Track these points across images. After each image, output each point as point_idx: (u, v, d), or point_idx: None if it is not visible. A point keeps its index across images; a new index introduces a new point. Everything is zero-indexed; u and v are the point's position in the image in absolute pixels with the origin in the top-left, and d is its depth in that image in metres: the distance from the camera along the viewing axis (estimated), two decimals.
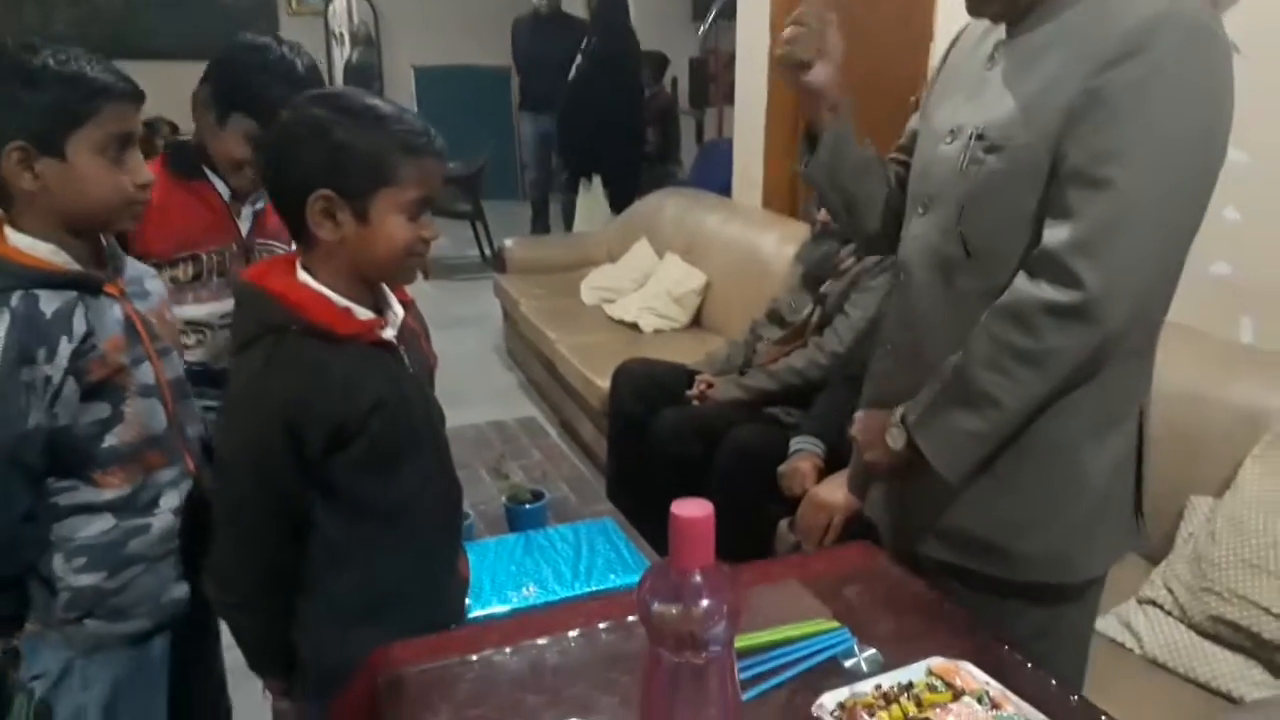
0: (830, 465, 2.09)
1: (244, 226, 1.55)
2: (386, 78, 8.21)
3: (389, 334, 1.12)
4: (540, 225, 6.10)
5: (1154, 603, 1.69)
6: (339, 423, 1.05)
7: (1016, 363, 1.08)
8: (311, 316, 1.05)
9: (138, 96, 1.15)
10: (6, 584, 1.18)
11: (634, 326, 3.59)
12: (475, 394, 3.67)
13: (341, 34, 8.21)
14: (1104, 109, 1.02)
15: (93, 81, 1.10)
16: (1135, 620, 1.70)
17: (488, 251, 5.91)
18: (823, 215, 2.48)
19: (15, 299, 1.08)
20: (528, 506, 1.85)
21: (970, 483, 1.17)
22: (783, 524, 2.11)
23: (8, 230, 1.13)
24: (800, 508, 1.94)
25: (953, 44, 1.32)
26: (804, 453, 2.10)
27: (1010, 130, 1.09)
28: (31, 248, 1.12)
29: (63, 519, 1.17)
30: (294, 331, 1.05)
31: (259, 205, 1.57)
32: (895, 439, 1.19)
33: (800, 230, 3.14)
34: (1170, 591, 1.67)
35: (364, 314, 1.10)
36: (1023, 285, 1.08)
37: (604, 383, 2.89)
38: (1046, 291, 1.05)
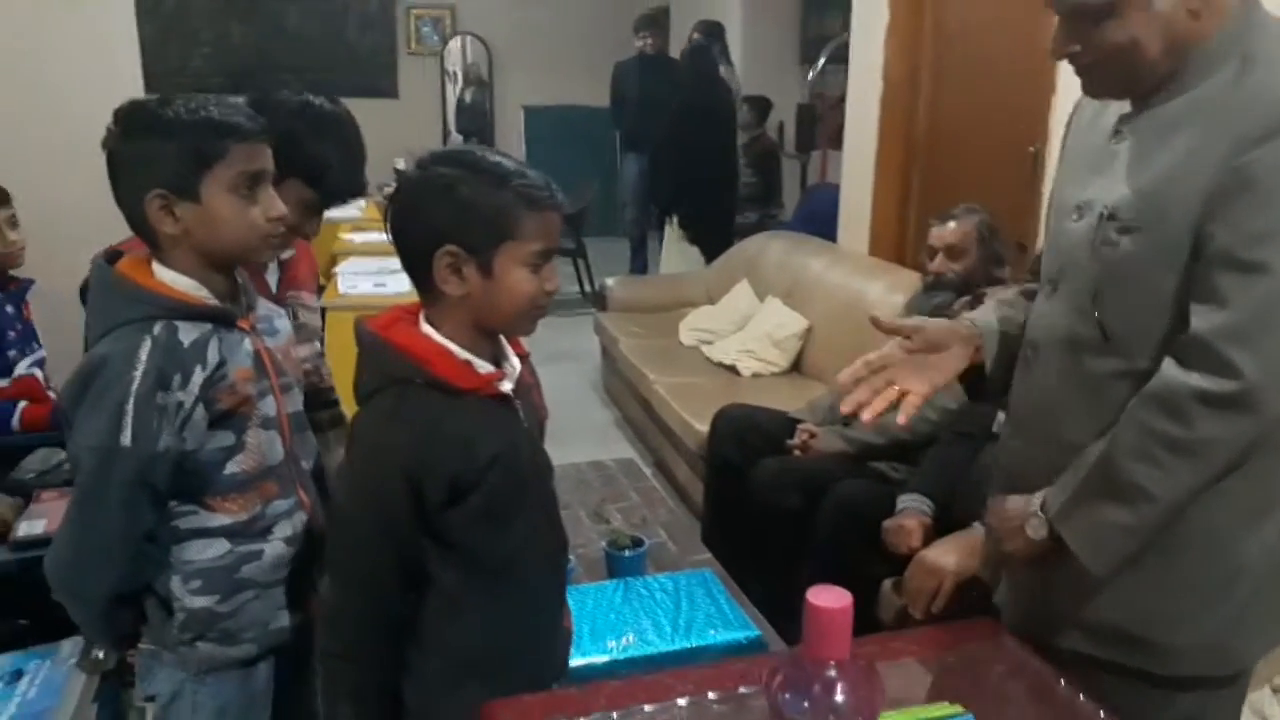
0: (939, 525, 2.02)
1: (271, 280, 1.58)
2: (497, 116, 8.45)
3: (507, 387, 1.13)
4: (639, 263, 6.15)
5: None
6: (458, 477, 1.06)
7: (1169, 453, 1.04)
8: (435, 370, 1.07)
9: (265, 134, 1.21)
10: (126, 601, 1.23)
11: (732, 369, 3.56)
12: (573, 431, 3.69)
13: (455, 73, 8.49)
14: (1253, 190, 0.99)
15: (219, 125, 1.16)
16: (1271, 710, 1.60)
17: (588, 288, 5.98)
18: (936, 265, 2.41)
19: (158, 327, 1.15)
20: (628, 553, 1.83)
21: (1117, 575, 1.11)
22: (887, 585, 2.04)
23: (155, 265, 1.20)
24: (909, 570, 1.87)
25: (1072, 116, 1.30)
26: (911, 511, 2.02)
27: (1145, 210, 1.07)
28: (175, 281, 1.19)
29: (182, 541, 1.22)
30: (417, 384, 1.07)
31: (284, 256, 1.61)
32: (1036, 530, 1.15)
33: (908, 279, 3.07)
34: None
35: (484, 367, 1.12)
36: (1173, 373, 1.04)
37: (702, 426, 2.86)
38: (1200, 380, 1.01)
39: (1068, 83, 2.67)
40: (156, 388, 1.13)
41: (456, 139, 8.44)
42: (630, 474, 2.49)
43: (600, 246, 6.52)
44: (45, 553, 1.19)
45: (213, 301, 1.21)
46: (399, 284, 3.45)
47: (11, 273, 2.37)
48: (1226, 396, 1.00)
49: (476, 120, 8.47)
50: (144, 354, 1.13)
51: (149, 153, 1.15)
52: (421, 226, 1.08)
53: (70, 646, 1.60)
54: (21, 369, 2.36)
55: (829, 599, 0.75)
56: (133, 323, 1.15)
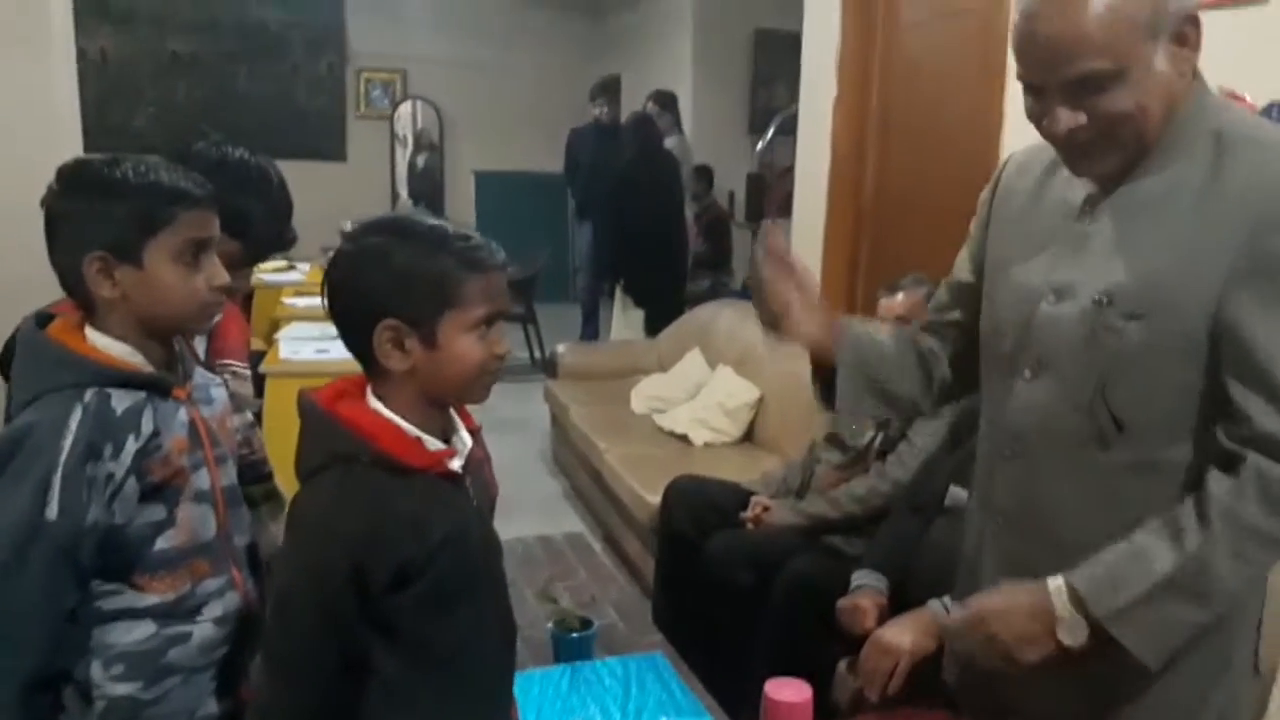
0: (894, 601, 1.98)
1: (200, 347, 1.51)
2: (448, 181, 8.46)
3: (457, 465, 1.07)
4: (590, 330, 6.13)
5: None
6: (407, 560, 1.00)
7: (1261, 550, 1.02)
8: (383, 447, 1.02)
9: (213, 201, 1.17)
10: (40, 689, 1.13)
11: (684, 438, 3.52)
12: (520, 502, 3.60)
13: (405, 137, 8.50)
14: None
15: (168, 190, 1.13)
16: None
17: (538, 354, 5.94)
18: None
19: (89, 395, 1.10)
20: (575, 635, 1.76)
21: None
22: (841, 666, 1.98)
23: (88, 330, 1.15)
24: (864, 650, 1.82)
25: (999, 178, 1.26)
26: (866, 589, 1.98)
27: (1152, 296, 1.04)
28: (109, 347, 1.14)
29: (105, 623, 1.15)
30: (364, 462, 1.01)
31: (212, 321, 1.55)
32: (1074, 634, 1.06)
33: None
34: None
35: (435, 444, 1.06)
36: (1270, 468, 1.00)
37: (654, 498, 2.81)
38: None
39: (1011, 148, 2.73)
40: (87, 458, 1.07)
41: (406, 203, 8.42)
42: (579, 549, 2.41)
43: (551, 312, 6.50)
44: None
45: (148, 369, 1.16)
46: (342, 350, 3.36)
47: None
48: None
49: (427, 185, 8.47)
50: (74, 422, 1.07)
51: (92, 213, 1.11)
52: (359, 300, 1.03)
53: None
54: None
55: (789, 693, 0.71)
56: (63, 389, 1.10)
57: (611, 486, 3.28)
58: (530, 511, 3.61)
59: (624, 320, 5.21)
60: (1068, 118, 1.04)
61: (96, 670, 1.14)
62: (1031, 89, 1.06)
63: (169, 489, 1.16)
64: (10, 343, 1.39)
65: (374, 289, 1.02)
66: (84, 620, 1.13)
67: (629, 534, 3.22)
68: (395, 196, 8.39)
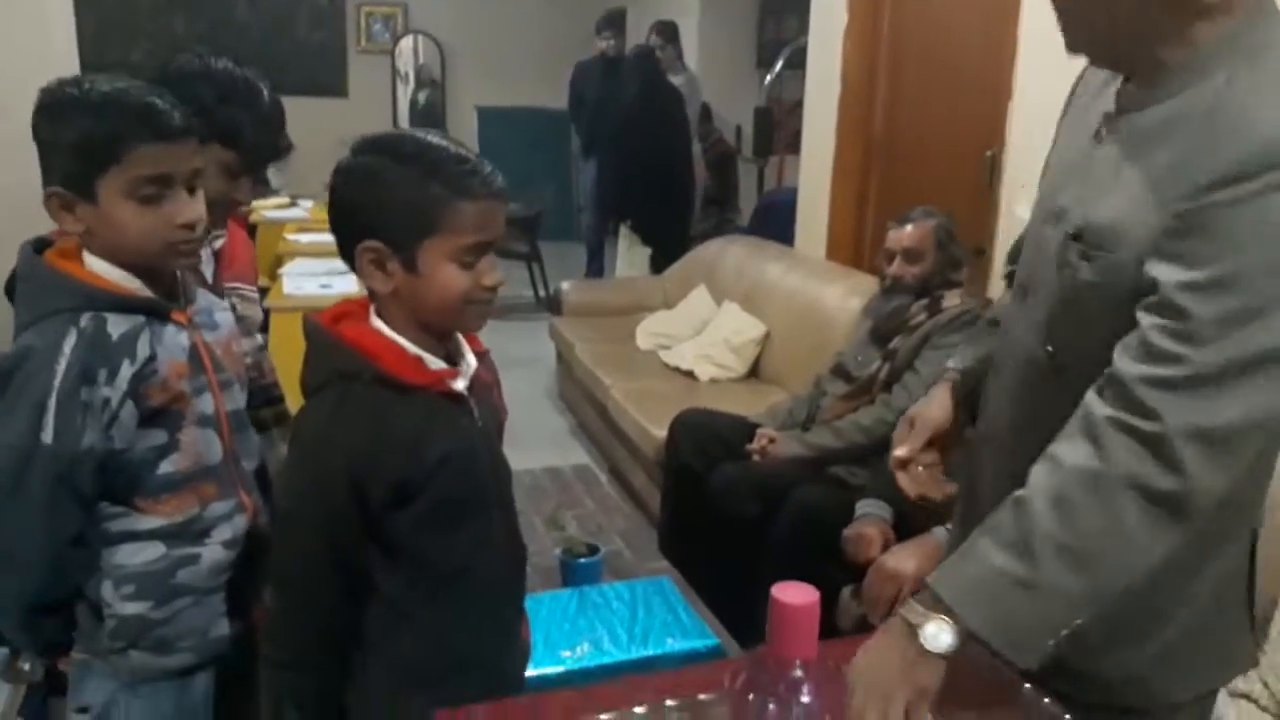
0: (898, 530, 2.00)
1: (207, 271, 1.48)
2: (450, 117, 8.34)
3: (460, 385, 1.07)
4: (595, 268, 6.09)
5: (1248, 696, 1.58)
6: (404, 477, 1.00)
7: (1088, 493, 0.94)
8: (384, 365, 1.01)
9: (181, 133, 1.10)
10: (54, 608, 1.16)
11: (690, 374, 3.52)
12: (527, 437, 3.62)
13: (407, 73, 8.37)
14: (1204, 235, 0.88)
15: (122, 123, 1.07)
16: (1226, 714, 1.59)
17: (542, 293, 5.92)
18: (894, 268, 2.40)
19: (84, 319, 1.09)
20: (583, 561, 1.78)
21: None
22: (845, 592, 2.01)
23: (86, 254, 1.14)
24: (868, 577, 1.85)
25: (1073, 90, 1.18)
26: (870, 517, 2.00)
27: (1106, 237, 0.97)
28: (106, 272, 1.13)
29: (113, 545, 1.16)
30: (364, 380, 1.01)
31: (216, 244, 1.52)
32: (939, 640, 0.91)
33: (866, 283, 3.06)
34: (1266, 686, 1.56)
35: (435, 364, 1.06)
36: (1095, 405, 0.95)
37: (660, 432, 2.82)
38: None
39: (1025, 87, 2.69)
40: (80, 383, 1.07)
41: None
42: (586, 480, 2.44)
43: (556, 250, 6.46)
44: None
45: (145, 293, 1.14)
46: (345, 285, 3.37)
47: None
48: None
49: (429, 121, 8.36)
50: (68, 346, 1.07)
51: (51, 144, 1.09)
52: (346, 217, 1.03)
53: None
54: None
55: (795, 595, 0.72)
56: (60, 313, 1.09)
57: (617, 421, 3.29)
58: (537, 446, 3.64)
59: (629, 258, 5.17)
60: None
61: (107, 590, 1.16)
62: None
63: (170, 413, 1.15)
64: (12, 275, 1.39)
65: (360, 208, 1.01)
66: (92, 542, 1.15)
67: (635, 467, 3.24)
68: None
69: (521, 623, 1.23)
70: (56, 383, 1.05)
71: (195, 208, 1.14)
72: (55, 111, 1.09)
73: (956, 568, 0.96)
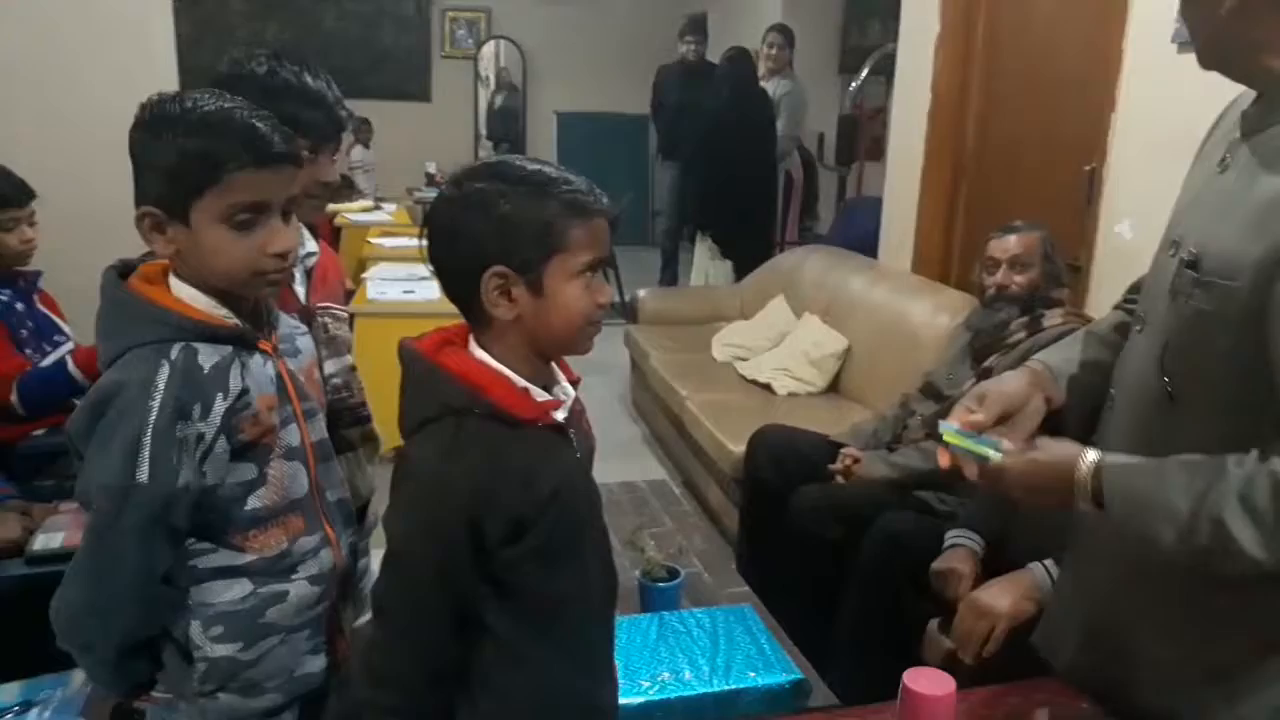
0: (989, 563, 1.91)
1: (300, 291, 1.45)
2: (529, 122, 8.42)
3: (562, 416, 1.05)
4: (669, 275, 6.07)
5: None
6: (520, 514, 0.98)
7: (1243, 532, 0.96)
8: (494, 399, 0.99)
9: (278, 160, 1.08)
10: (139, 649, 1.14)
11: (767, 387, 3.46)
12: (601, 446, 3.59)
13: (488, 78, 8.46)
14: None
15: (221, 148, 1.04)
16: None
17: (616, 298, 5.91)
18: (999, 277, 2.29)
19: (175, 351, 1.06)
20: (662, 586, 1.75)
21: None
22: (932, 625, 1.93)
23: (172, 279, 1.11)
24: (960, 611, 1.77)
25: (1216, 122, 1.16)
26: (960, 549, 1.92)
27: (1222, 266, 0.97)
28: (193, 299, 1.10)
29: (201, 582, 1.13)
30: (475, 414, 0.99)
31: (310, 263, 1.48)
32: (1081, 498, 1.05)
33: (955, 300, 2.97)
34: None
35: (541, 395, 1.04)
36: None
37: (737, 447, 2.77)
38: None
39: (1130, 99, 2.57)
40: (176, 419, 1.04)
41: (487, 144, 8.42)
42: (663, 496, 2.41)
43: (630, 256, 6.44)
44: (60, 574, 1.09)
45: (233, 321, 1.11)
46: (428, 291, 3.40)
47: (16, 269, 2.32)
48: None
49: (508, 125, 8.44)
50: (161, 382, 1.04)
51: (147, 163, 1.07)
52: (464, 249, 1.00)
53: (83, 676, 1.52)
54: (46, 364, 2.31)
55: (930, 685, 0.66)
56: (147, 345, 1.06)
57: (692, 433, 3.25)
58: (611, 456, 3.58)
59: (706, 269, 5.09)
60: None
61: (196, 631, 1.13)
62: None
63: (259, 447, 1.12)
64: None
65: (479, 236, 0.99)
66: (180, 580, 1.12)
67: (710, 481, 3.19)
68: (478, 137, 8.39)
69: (613, 652, 1.20)
70: (151, 420, 1.03)
71: (289, 236, 1.12)
72: (154, 128, 1.06)
73: (1134, 479, 1.02)
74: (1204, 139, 1.17)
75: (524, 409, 1.01)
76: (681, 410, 3.37)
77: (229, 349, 1.10)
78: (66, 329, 2.41)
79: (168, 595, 1.12)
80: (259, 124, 1.07)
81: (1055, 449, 1.08)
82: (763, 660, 1.57)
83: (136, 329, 1.07)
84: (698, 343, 4.00)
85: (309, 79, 1.35)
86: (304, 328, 1.30)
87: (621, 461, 3.62)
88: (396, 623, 1.02)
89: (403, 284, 3.56)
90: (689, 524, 2.26)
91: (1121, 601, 1.15)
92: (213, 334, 1.09)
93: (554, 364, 1.10)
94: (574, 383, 1.12)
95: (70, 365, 2.16)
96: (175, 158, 1.04)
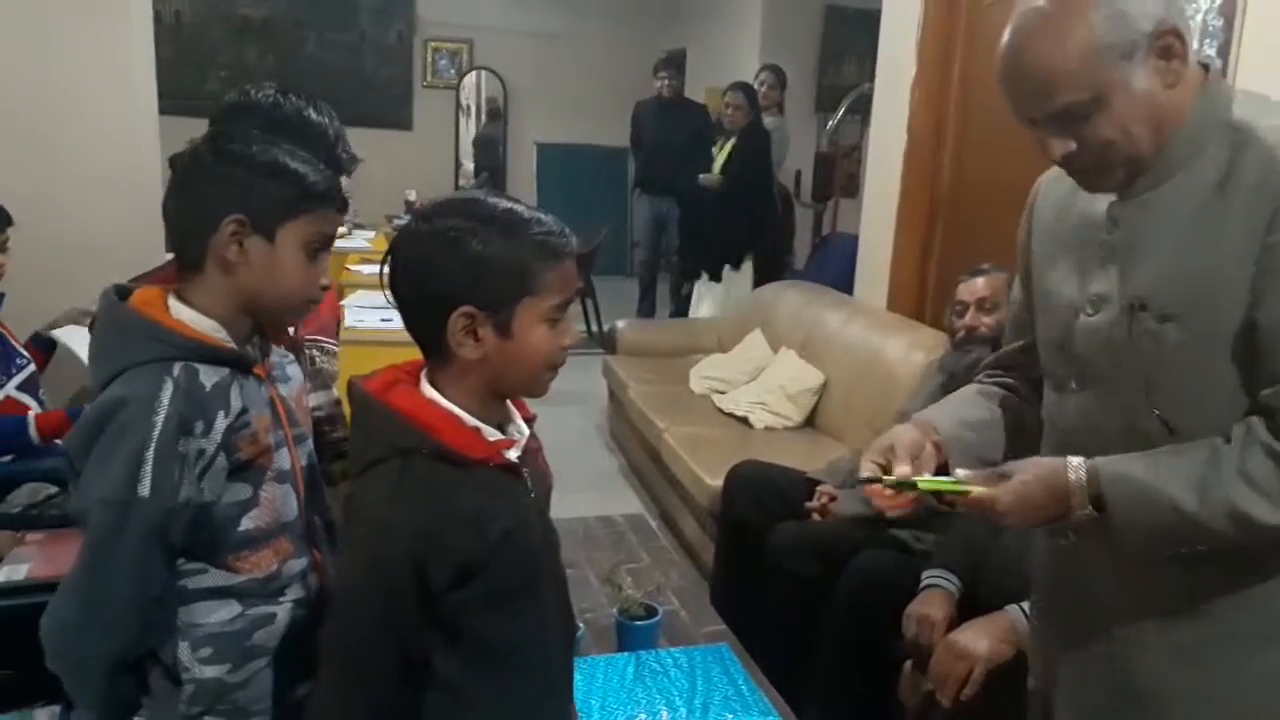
0: (965, 603, 1.92)
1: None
2: (510, 152, 8.45)
3: (514, 455, 1.04)
4: (646, 305, 6.10)
5: None
6: (467, 558, 0.96)
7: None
8: (444, 439, 0.98)
9: (344, 206, 1.21)
10: (127, 669, 1.12)
11: (744, 421, 3.47)
12: (576, 478, 3.58)
13: (470, 107, 8.50)
14: None
15: (315, 184, 1.15)
16: None
17: (594, 328, 5.92)
18: (969, 319, 2.33)
19: (177, 369, 1.08)
20: (640, 624, 1.73)
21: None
22: (908, 665, 1.93)
23: (173, 301, 1.13)
24: (937, 653, 1.77)
25: (1031, 210, 1.27)
26: (936, 591, 1.92)
27: (1184, 297, 1.04)
28: (195, 321, 1.12)
29: (190, 603, 1.13)
30: (422, 454, 0.98)
31: None
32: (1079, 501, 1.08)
33: (930, 338, 3.00)
34: None
35: (493, 434, 1.03)
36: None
37: (714, 481, 2.77)
38: None
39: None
40: (179, 434, 1.05)
41: (468, 171, 8.44)
42: (640, 531, 2.39)
43: (609, 286, 6.47)
44: (45, 601, 1.08)
45: (231, 345, 1.14)
46: None
47: None
48: None
49: (490, 155, 8.47)
50: (166, 397, 1.05)
51: (244, 180, 1.11)
52: (431, 285, 0.99)
53: (45, 716, 1.48)
54: (9, 390, 2.27)
55: None
56: (149, 363, 1.07)
57: (670, 466, 3.25)
58: (587, 488, 3.60)
59: (710, 299, 5.07)
60: (1060, 146, 1.06)
61: (184, 652, 1.13)
62: (1024, 122, 1.08)
63: (254, 468, 1.14)
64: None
65: (450, 274, 0.98)
66: (169, 600, 1.12)
67: (686, 515, 3.19)
68: (458, 166, 8.41)
69: (571, 698, 1.19)
70: (155, 434, 1.04)
71: (330, 275, 1.22)
72: (253, 157, 1.12)
73: (1131, 473, 1.06)
74: (1028, 220, 1.27)
75: (473, 449, 0.99)
76: (659, 442, 3.37)
77: (226, 371, 1.12)
78: (24, 353, 2.39)
79: (157, 615, 1.11)
80: (326, 174, 1.18)
81: (1035, 466, 1.12)
82: (740, 701, 1.56)
83: (137, 347, 1.09)
84: (676, 375, 4.01)
85: (312, 114, 1.39)
86: (292, 357, 1.32)
87: (598, 494, 3.61)
88: (340, 662, 1.01)
89: (380, 312, 3.54)
90: (666, 559, 2.24)
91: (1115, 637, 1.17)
92: (213, 355, 1.11)
93: (509, 402, 1.09)
94: (528, 420, 1.11)
95: (32, 429, 2.18)
96: (285, 181, 1.12)
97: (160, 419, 1.04)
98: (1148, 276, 1.06)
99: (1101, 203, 1.13)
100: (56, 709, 1.45)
